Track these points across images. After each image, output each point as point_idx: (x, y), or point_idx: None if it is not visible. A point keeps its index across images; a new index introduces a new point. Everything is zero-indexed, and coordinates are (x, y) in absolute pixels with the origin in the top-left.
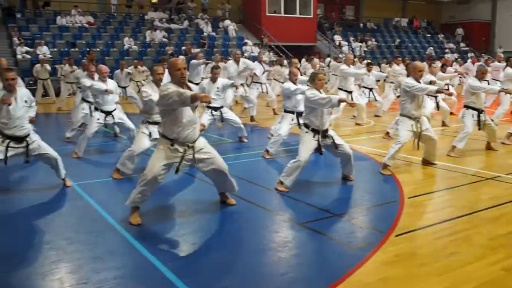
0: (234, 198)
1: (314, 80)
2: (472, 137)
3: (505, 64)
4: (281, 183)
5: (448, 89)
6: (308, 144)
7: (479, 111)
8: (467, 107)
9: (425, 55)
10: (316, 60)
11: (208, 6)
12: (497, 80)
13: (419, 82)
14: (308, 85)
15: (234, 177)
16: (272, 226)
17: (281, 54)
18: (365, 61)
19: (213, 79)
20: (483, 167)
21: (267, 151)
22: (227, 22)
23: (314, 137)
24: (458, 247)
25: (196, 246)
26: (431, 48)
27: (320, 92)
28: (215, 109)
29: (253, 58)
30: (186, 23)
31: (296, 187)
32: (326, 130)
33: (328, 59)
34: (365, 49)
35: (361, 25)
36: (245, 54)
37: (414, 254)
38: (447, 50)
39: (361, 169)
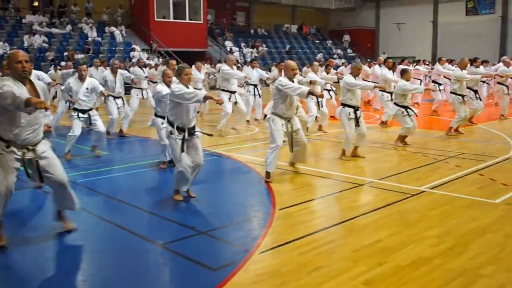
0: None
1: (181, 75)
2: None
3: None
4: (177, 192)
5: (330, 89)
6: (177, 147)
7: (355, 109)
8: (343, 105)
9: (315, 61)
10: (207, 65)
11: (92, 10)
12: (377, 83)
13: (293, 82)
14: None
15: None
16: (127, 249)
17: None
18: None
19: (81, 78)
20: (358, 172)
21: (164, 162)
22: (113, 28)
23: (179, 135)
24: (322, 261)
25: (13, 285)
26: (321, 53)
27: (187, 87)
28: (83, 111)
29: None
30: (69, 27)
31: (162, 202)
32: (193, 128)
33: (219, 65)
34: (256, 54)
35: (252, 31)
36: (133, 60)
37: (276, 272)
38: (335, 56)
39: (238, 180)
